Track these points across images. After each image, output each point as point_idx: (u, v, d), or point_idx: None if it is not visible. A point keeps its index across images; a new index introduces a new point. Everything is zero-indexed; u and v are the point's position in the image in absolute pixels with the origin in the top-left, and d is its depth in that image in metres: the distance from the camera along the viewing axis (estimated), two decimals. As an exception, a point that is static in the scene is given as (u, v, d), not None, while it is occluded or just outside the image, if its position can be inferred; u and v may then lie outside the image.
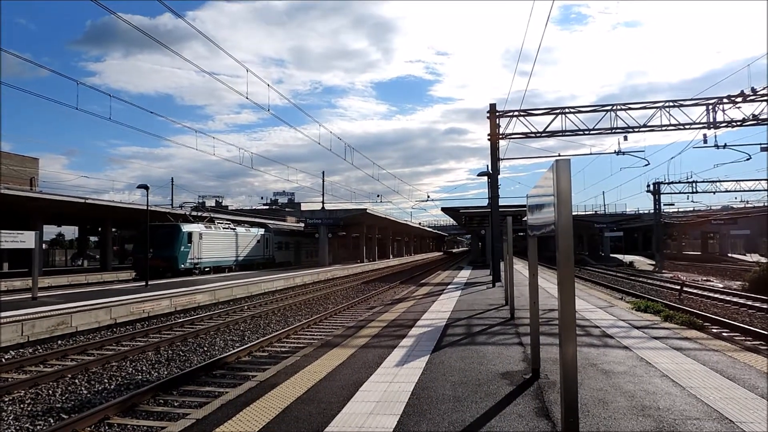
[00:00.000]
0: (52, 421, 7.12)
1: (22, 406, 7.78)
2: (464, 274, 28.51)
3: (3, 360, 10.91)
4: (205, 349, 12.07)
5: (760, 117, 20.42)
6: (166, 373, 9.81)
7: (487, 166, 22.55)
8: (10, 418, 7.23)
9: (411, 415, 4.90)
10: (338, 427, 4.65)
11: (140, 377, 9.52)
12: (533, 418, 4.71)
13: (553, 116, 21.97)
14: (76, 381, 9.16)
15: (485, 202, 29.43)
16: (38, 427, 6.89)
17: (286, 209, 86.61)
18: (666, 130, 21.42)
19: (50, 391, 8.52)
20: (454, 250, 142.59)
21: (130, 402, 7.55)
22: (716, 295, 21.89)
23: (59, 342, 12.85)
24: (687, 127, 21.38)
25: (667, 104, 21.23)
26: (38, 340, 12.49)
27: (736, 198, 58.72)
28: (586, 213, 67.45)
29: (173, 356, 11.24)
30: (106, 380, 9.25)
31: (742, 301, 19.72)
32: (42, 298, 17.03)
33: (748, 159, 27.83)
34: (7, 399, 8.05)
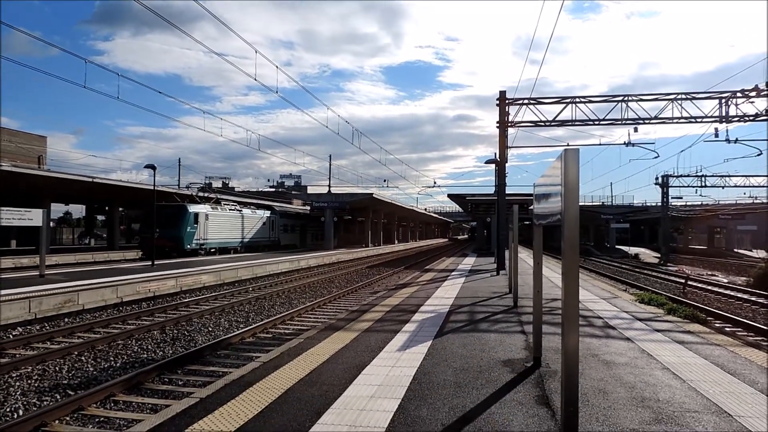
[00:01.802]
0: (58, 397, 7.23)
1: (29, 381, 7.90)
2: (468, 261, 28.53)
3: (11, 336, 11.06)
4: (210, 329, 12.18)
5: (773, 111, 20.20)
6: (171, 352, 9.92)
7: (495, 153, 22.47)
8: (18, 393, 7.35)
9: (412, 400, 4.95)
10: (340, 409, 4.71)
11: (145, 356, 9.64)
12: (533, 406, 4.75)
13: (563, 105, 21.83)
14: (83, 358, 9.28)
15: (492, 190, 29.39)
16: (45, 402, 7.00)
17: (293, 192, 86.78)
18: (677, 122, 21.25)
19: (57, 368, 8.64)
20: (459, 237, 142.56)
21: (136, 380, 7.65)
22: (720, 290, 21.84)
23: (66, 319, 13.00)
24: (698, 120, 21.20)
25: (679, 96, 21.03)
26: (45, 317, 12.63)
27: (744, 193, 58.35)
28: (593, 203, 67.18)
29: (178, 336, 11.36)
30: (111, 358, 9.36)
31: (746, 296, 19.66)
32: (49, 276, 17.20)
33: (759, 154, 27.63)
34: (14, 375, 8.18)
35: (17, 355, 9.35)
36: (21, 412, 6.61)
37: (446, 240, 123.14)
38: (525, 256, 30.23)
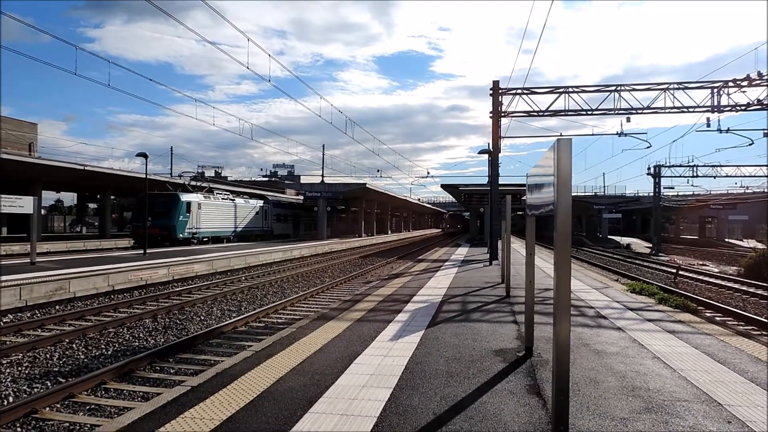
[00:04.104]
0: (49, 384, 7.20)
1: (20, 369, 7.86)
2: (462, 252, 28.59)
3: (1, 323, 10.99)
4: (202, 318, 12.16)
5: (765, 102, 20.27)
6: (162, 340, 9.90)
7: (488, 144, 22.45)
8: (8, 380, 7.31)
9: (404, 389, 4.95)
10: (331, 398, 4.71)
11: (137, 344, 9.61)
12: (524, 395, 4.77)
13: (557, 95, 21.80)
14: (74, 346, 9.24)
15: (485, 180, 29.38)
16: (35, 389, 6.97)
17: (286, 182, 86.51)
18: (669, 112, 21.28)
19: (48, 355, 8.60)
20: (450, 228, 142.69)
21: (127, 368, 7.63)
22: (711, 280, 22.00)
23: (57, 307, 12.93)
24: (690, 110, 21.24)
25: (671, 86, 21.05)
26: (36, 304, 12.57)
27: (736, 183, 58.76)
28: (586, 194, 67.39)
29: (170, 324, 11.33)
30: (103, 346, 9.33)
31: (736, 286, 19.82)
32: (40, 264, 17.09)
33: (750, 144, 27.78)
34: (5, 362, 8.13)
35: (8, 342, 9.28)
36: (11, 399, 6.58)
37: (439, 230, 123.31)
38: (518, 246, 30.33)
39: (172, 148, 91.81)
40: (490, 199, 22.67)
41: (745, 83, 20.31)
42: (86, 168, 32.93)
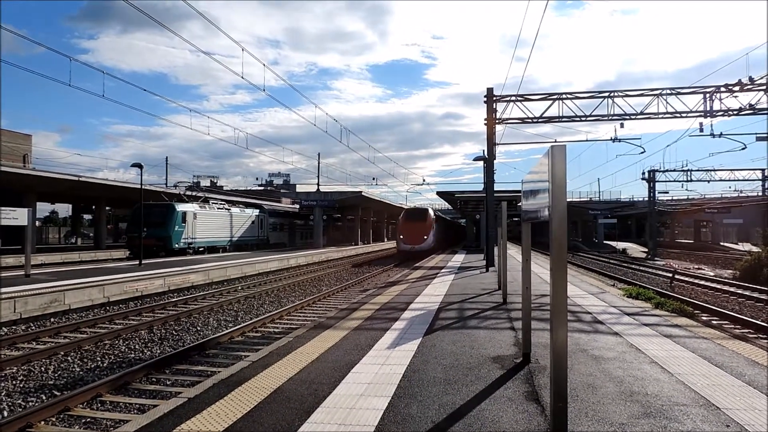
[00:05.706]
0: (44, 397, 7.14)
1: (14, 382, 7.80)
2: (458, 259, 28.58)
3: (-5, 336, 10.90)
4: (199, 328, 12.10)
5: (757, 106, 20.42)
6: (158, 352, 9.84)
7: (483, 151, 22.50)
8: (2, 394, 7.25)
9: (402, 398, 4.93)
10: (329, 407, 4.69)
11: (133, 356, 9.55)
12: (523, 402, 4.76)
13: (550, 102, 21.91)
14: (69, 358, 9.18)
15: (480, 187, 29.44)
16: (31, 403, 6.91)
17: (282, 191, 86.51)
18: (663, 118, 21.41)
19: (43, 368, 8.54)
20: None
21: (123, 380, 7.58)
22: (707, 284, 22.06)
23: (52, 319, 12.85)
24: (683, 115, 21.39)
25: (664, 92, 21.19)
26: (31, 317, 12.48)
27: (730, 187, 59.00)
28: (581, 199, 67.62)
29: (166, 335, 11.27)
30: (98, 358, 9.27)
31: (732, 289, 19.88)
32: (35, 276, 16.99)
33: (743, 148, 27.89)
34: (-1, 375, 8.07)
35: (2, 356, 9.22)
36: (6, 413, 6.53)
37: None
38: (514, 253, 30.35)
39: (167, 158, 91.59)
40: (486, 206, 22.71)
41: (736, 88, 20.47)
42: (81, 179, 32.82)
